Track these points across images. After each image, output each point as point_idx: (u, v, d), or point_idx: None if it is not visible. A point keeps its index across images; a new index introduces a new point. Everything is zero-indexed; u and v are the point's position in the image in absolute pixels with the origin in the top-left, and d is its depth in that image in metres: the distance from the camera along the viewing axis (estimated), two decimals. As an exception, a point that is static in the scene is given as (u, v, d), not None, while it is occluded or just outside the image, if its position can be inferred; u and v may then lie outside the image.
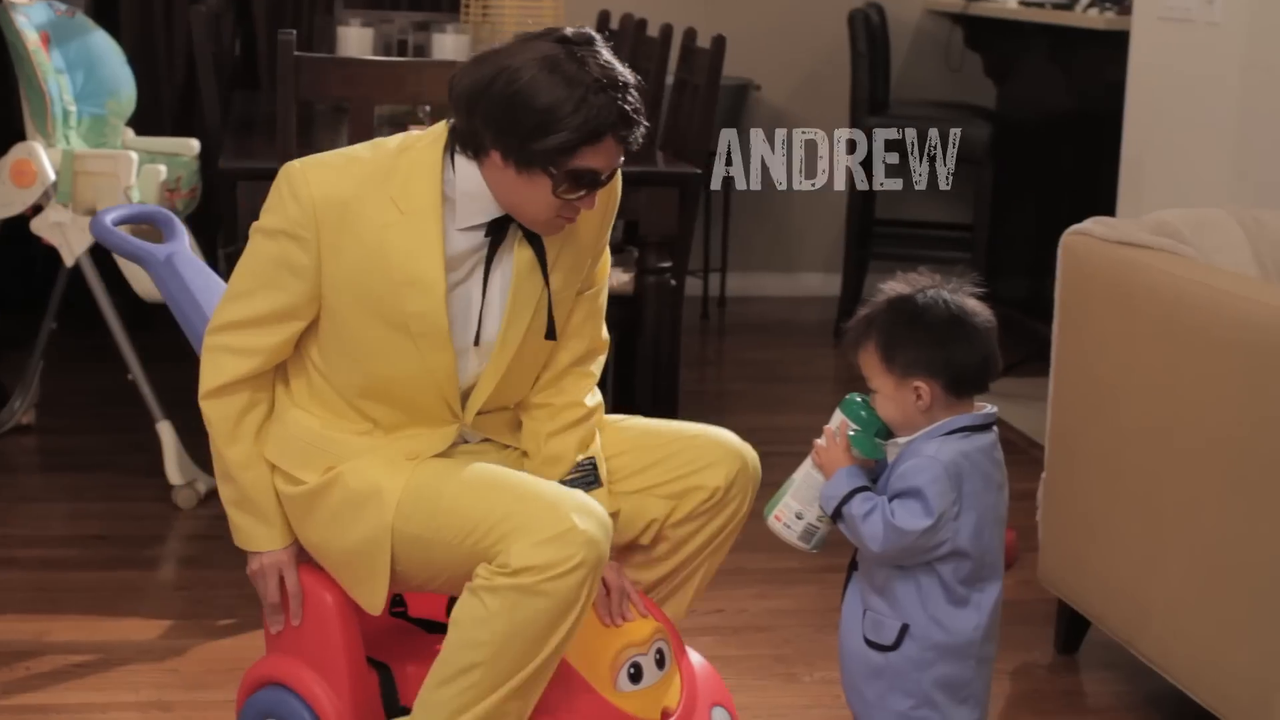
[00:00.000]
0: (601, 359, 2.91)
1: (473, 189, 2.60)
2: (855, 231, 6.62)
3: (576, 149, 2.51)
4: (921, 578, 2.54)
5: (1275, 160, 4.18)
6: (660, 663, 2.72)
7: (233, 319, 2.68)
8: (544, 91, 2.48)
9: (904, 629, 2.55)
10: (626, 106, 2.51)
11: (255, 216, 2.68)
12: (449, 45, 5.12)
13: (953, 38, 7.00)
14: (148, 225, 3.58)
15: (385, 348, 2.64)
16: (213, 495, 3.53)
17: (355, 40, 5.37)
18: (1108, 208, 4.78)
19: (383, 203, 2.59)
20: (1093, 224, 3.46)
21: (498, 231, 2.64)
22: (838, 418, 2.62)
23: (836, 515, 2.55)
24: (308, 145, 4.25)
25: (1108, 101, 5.09)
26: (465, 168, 2.59)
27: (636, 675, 2.69)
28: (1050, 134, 6.48)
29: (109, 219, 3.40)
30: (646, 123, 2.57)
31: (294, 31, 3.82)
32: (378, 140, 2.70)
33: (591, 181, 2.55)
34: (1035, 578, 3.71)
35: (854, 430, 2.58)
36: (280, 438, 2.72)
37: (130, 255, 3.34)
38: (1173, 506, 3.12)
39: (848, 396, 2.61)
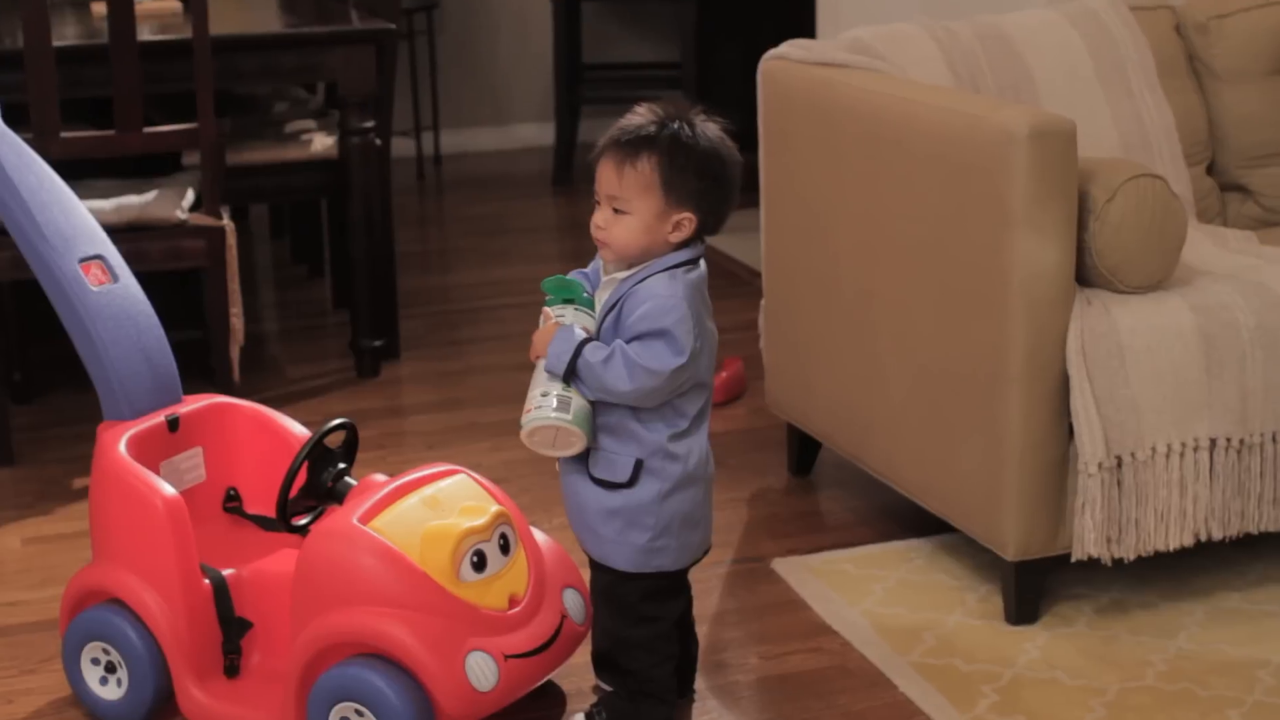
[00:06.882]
0: None
1: None
2: (564, 78, 6.57)
3: None
4: (651, 412, 2.53)
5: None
6: (505, 548, 2.62)
7: None
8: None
9: (639, 464, 2.53)
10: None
11: None
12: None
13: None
14: None
15: None
16: None
17: None
18: (810, 33, 4.78)
19: None
20: (789, 47, 3.46)
21: None
22: (546, 313, 2.57)
23: (572, 373, 2.50)
24: None
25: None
26: None
27: (480, 564, 2.58)
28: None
29: None
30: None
31: None
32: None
33: None
34: (765, 404, 3.75)
35: (560, 311, 2.54)
36: None
37: None
38: (885, 319, 3.17)
39: (544, 282, 2.56)
